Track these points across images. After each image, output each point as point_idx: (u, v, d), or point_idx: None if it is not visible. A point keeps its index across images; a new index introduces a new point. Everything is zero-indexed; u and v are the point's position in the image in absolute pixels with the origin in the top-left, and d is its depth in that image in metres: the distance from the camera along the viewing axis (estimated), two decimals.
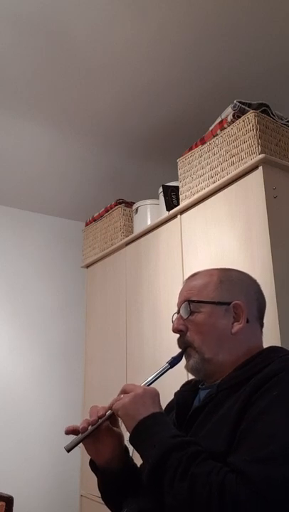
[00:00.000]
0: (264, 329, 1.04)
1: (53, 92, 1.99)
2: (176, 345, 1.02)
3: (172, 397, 1.09)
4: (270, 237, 1.47)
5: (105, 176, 2.62)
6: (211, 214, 1.76)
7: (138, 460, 0.91)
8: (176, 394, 1.08)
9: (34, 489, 2.50)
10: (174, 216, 1.96)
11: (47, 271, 2.90)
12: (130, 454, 1.03)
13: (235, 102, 1.67)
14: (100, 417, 0.93)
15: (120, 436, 0.98)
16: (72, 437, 0.92)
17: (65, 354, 2.80)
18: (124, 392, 0.91)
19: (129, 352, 2.13)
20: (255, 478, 0.70)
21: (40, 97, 2.02)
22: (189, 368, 0.99)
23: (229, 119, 1.70)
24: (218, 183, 1.71)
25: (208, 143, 1.80)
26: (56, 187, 2.71)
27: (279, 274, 1.44)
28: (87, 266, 2.61)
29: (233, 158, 1.67)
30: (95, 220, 2.58)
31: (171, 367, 1.00)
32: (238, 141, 1.66)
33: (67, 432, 0.93)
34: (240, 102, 1.66)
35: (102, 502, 1.04)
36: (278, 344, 1.31)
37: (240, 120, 1.65)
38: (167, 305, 1.89)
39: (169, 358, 1.01)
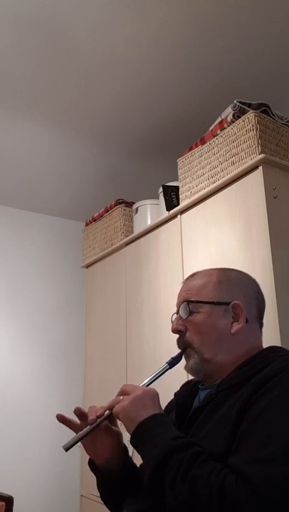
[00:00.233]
0: (264, 329, 1.04)
1: (53, 92, 1.99)
2: (176, 346, 1.02)
3: (172, 397, 1.09)
4: (270, 237, 1.47)
5: (105, 176, 2.62)
6: (211, 214, 1.76)
7: (138, 460, 0.91)
8: (175, 394, 1.08)
9: (34, 489, 2.50)
10: (174, 216, 1.96)
11: (47, 271, 2.90)
12: (130, 454, 1.03)
13: (235, 102, 1.67)
14: (98, 417, 0.92)
15: (119, 436, 0.98)
16: (71, 436, 0.92)
17: (65, 354, 2.80)
18: (123, 392, 0.91)
19: (129, 352, 2.13)
20: (255, 479, 0.70)
21: (40, 97, 2.02)
22: (189, 369, 0.99)
23: (229, 119, 1.70)
24: (218, 183, 1.71)
25: (208, 143, 1.80)
26: (56, 187, 2.71)
27: (279, 274, 1.44)
28: (87, 266, 2.61)
29: (233, 158, 1.67)
30: (95, 220, 2.58)
31: (170, 367, 1.00)
32: (238, 141, 1.66)
33: (58, 418, 0.95)
34: (240, 102, 1.66)
35: (102, 502, 1.04)
36: (278, 344, 1.31)
37: (240, 120, 1.65)
38: (167, 305, 1.89)
39: (168, 358, 1.00)
